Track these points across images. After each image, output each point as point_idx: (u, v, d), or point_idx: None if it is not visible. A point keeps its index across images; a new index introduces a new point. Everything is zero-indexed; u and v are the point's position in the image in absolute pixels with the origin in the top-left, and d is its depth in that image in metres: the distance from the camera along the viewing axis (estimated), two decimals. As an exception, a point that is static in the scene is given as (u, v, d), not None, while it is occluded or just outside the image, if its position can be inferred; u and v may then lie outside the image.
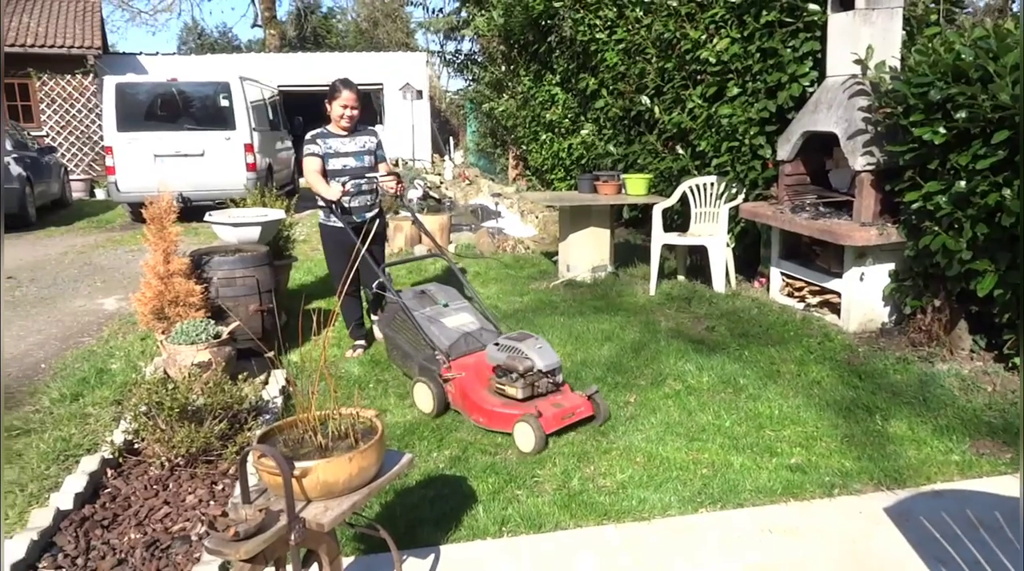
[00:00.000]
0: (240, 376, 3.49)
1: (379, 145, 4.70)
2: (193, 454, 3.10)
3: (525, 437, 3.34)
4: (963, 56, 3.88)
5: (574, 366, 4.36)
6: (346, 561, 2.50)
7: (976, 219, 3.86)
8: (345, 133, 4.52)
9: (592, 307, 5.60)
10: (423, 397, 3.81)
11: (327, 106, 4.49)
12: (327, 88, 4.51)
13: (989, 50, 3.77)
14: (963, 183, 3.88)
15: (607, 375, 4.19)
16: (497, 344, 3.67)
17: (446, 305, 4.18)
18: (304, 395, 2.26)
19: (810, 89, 5.37)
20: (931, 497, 2.90)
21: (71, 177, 13.96)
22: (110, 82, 10.16)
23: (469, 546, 2.63)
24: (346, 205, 4.51)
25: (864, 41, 4.73)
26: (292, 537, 1.87)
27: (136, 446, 3.26)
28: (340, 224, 4.46)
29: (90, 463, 3.08)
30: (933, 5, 5.08)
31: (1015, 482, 2.96)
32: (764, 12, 5.49)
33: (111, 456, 3.16)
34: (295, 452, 2.04)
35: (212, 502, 2.91)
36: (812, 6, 5.24)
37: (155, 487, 3.01)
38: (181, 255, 4.35)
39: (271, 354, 4.36)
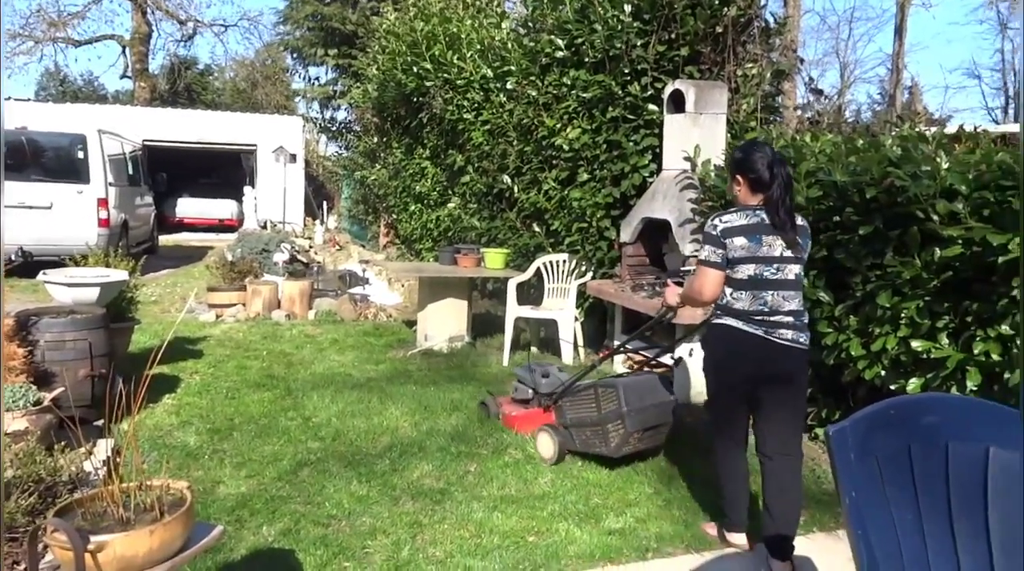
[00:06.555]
0: (58, 446, 3.31)
1: None
2: (-6, 531, 2.90)
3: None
4: (769, 160, 4.40)
5: (419, 435, 4.42)
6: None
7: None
8: None
9: (446, 376, 5.70)
10: None
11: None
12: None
13: (789, 158, 4.31)
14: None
15: (451, 444, 4.28)
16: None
17: None
18: (129, 467, 2.21)
19: (650, 179, 5.87)
20: (731, 559, 3.15)
21: None
22: (-53, 127, 9.55)
23: (286, 621, 2.60)
24: None
25: (693, 141, 5.26)
26: (81, 615, 1.82)
27: (-71, 523, 3.01)
28: None
29: None
30: (752, 112, 5.75)
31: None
32: (610, 108, 6.00)
33: None
34: (95, 526, 2.00)
35: (11, 584, 2.72)
36: (651, 106, 5.78)
37: (-54, 568, 2.79)
38: (5, 316, 4.12)
39: (100, 422, 4.17)
